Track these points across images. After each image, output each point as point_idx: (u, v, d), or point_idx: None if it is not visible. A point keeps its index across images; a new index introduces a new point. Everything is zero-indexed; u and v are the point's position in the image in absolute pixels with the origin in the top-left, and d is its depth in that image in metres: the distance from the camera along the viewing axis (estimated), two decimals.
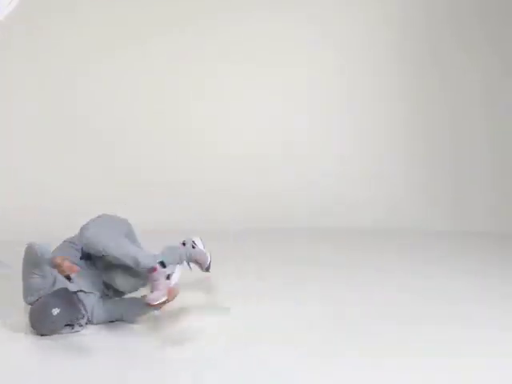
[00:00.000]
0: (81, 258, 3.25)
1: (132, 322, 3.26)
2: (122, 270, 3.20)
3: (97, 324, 3.21)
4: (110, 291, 3.34)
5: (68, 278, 2.99)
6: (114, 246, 3.10)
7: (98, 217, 3.32)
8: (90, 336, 3.10)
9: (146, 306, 3.10)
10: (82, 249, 3.24)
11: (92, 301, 3.21)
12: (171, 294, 3.02)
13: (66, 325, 3.07)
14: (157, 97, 6.18)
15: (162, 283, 3.06)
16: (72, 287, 3.14)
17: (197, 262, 3.42)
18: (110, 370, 2.76)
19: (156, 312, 3.32)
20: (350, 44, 6.38)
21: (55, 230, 4.16)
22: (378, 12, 6.31)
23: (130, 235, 3.39)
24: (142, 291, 3.41)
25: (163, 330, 3.23)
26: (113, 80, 6.08)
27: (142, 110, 6.16)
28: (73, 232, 3.41)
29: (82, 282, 3.20)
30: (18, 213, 5.38)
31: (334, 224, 5.79)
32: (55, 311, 2.96)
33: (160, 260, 3.14)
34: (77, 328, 3.11)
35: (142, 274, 3.19)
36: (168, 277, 3.10)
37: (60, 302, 3.00)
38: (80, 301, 3.16)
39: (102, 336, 3.11)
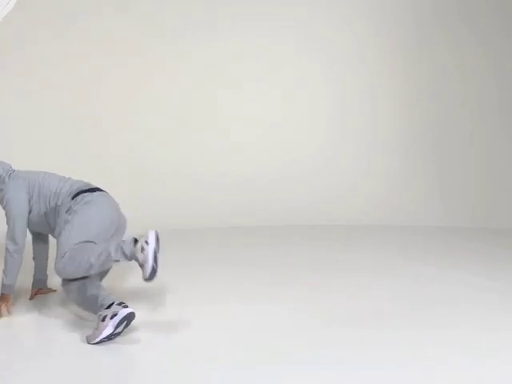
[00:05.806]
0: None
1: None
2: None
3: None
4: None
5: None
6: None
7: None
8: None
9: None
10: None
11: None
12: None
13: None
14: (158, 90, 6.33)
15: None
16: None
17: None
18: None
19: None
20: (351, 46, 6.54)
21: None
22: (374, 23, 6.46)
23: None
24: None
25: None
26: (115, 79, 6.20)
27: (142, 105, 6.31)
28: None
29: None
30: None
31: (328, 222, 5.89)
32: None
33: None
34: None
35: None
36: None
37: None
38: None
39: None
